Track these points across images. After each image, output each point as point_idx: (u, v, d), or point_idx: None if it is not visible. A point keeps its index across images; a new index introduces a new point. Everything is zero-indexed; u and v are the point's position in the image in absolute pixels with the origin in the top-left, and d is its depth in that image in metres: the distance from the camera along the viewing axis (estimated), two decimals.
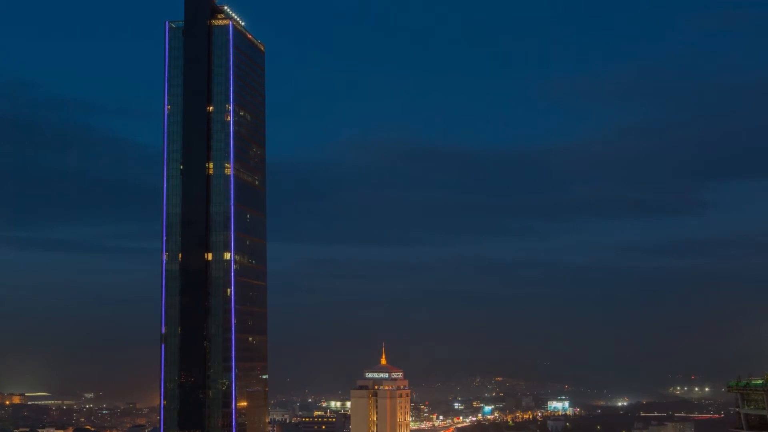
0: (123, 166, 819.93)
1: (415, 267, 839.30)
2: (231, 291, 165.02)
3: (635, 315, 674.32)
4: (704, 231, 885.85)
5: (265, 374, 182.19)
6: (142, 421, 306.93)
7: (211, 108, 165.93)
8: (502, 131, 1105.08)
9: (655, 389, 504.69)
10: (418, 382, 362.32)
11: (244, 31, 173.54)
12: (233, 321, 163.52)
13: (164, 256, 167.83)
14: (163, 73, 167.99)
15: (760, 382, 62.43)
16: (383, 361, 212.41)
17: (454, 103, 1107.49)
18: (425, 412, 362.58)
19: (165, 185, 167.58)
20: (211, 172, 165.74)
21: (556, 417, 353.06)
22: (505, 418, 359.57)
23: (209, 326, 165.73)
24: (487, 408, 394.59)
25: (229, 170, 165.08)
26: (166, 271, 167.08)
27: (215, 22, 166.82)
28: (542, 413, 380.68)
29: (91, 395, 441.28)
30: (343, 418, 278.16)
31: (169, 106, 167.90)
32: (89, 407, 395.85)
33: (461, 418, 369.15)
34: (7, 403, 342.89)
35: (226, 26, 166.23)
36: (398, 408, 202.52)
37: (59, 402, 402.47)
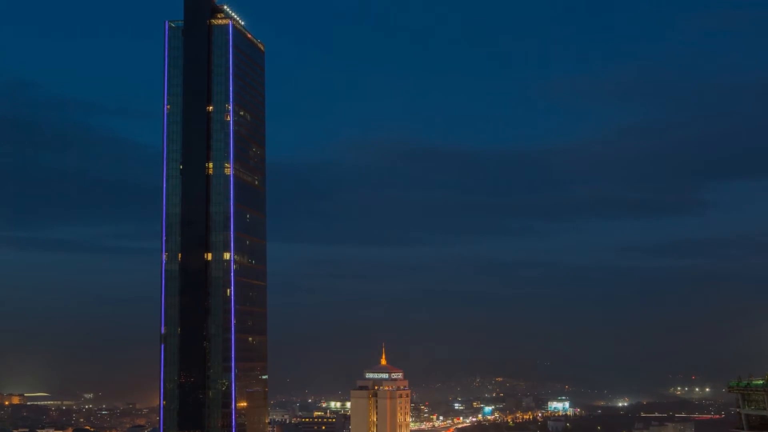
0: (123, 166, 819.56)
1: (415, 267, 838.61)
2: (231, 291, 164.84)
3: (635, 315, 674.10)
4: (704, 231, 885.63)
5: (264, 374, 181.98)
6: (141, 421, 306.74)
7: (210, 108, 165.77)
8: (502, 131, 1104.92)
9: (656, 389, 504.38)
10: (418, 382, 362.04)
11: (243, 30, 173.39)
12: (233, 321, 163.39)
13: (164, 256, 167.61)
14: (162, 72, 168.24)
15: (761, 382, 62.25)
16: (383, 361, 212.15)
17: (454, 103, 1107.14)
18: (425, 413, 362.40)
19: (164, 185, 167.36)
20: (210, 172, 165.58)
21: (556, 417, 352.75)
22: (505, 419, 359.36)
23: (209, 326, 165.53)
24: (488, 408, 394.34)
25: (229, 170, 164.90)
26: (165, 271, 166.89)
27: (215, 22, 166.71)
28: (542, 413, 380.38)
29: (91, 395, 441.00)
30: (343, 418, 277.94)
31: (168, 106, 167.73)
32: (89, 407, 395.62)
33: (461, 418, 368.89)
34: (7, 403, 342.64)
35: (226, 26, 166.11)
36: (398, 408, 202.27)
37: (59, 402, 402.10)
